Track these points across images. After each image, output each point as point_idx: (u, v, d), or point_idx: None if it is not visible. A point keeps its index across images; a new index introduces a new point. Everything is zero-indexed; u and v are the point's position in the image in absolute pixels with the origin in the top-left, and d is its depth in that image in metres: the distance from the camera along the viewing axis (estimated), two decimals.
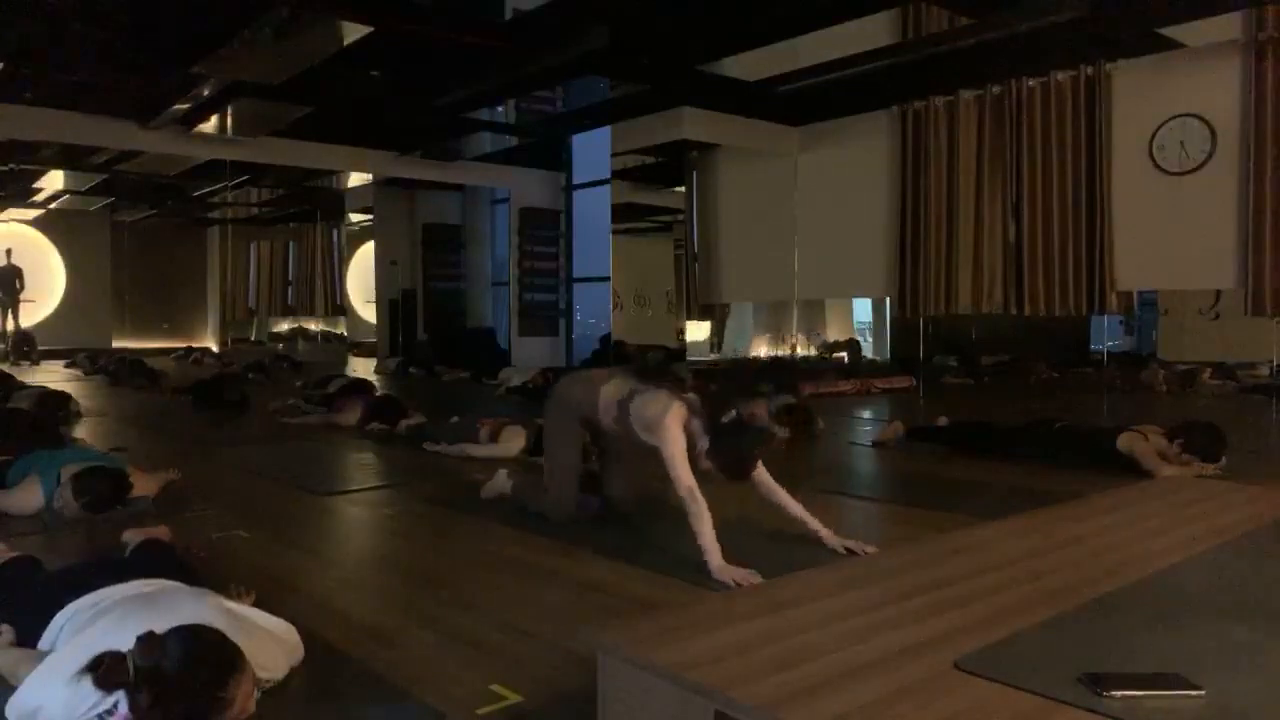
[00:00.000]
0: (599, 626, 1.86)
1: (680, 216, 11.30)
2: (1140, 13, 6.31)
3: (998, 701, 1.36)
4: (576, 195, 11.91)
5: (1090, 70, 7.53)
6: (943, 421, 5.74)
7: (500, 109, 9.69)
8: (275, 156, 10.24)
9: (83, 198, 14.16)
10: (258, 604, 2.25)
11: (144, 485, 3.84)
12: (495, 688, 2.02)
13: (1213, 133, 6.98)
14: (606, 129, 10.16)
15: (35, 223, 15.36)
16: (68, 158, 11.38)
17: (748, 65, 7.75)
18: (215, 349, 16.12)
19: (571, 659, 2.14)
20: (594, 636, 1.69)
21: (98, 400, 8.66)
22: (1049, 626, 1.69)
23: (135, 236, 16.04)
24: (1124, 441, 4.49)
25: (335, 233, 15.91)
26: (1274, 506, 2.81)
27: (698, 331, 11.91)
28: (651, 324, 11.89)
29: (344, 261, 15.95)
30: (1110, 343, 9.86)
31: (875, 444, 5.70)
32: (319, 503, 4.12)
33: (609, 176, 11.03)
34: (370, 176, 12.95)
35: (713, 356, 11.75)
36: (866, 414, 7.62)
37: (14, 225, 15.07)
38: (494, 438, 5.21)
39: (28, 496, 3.61)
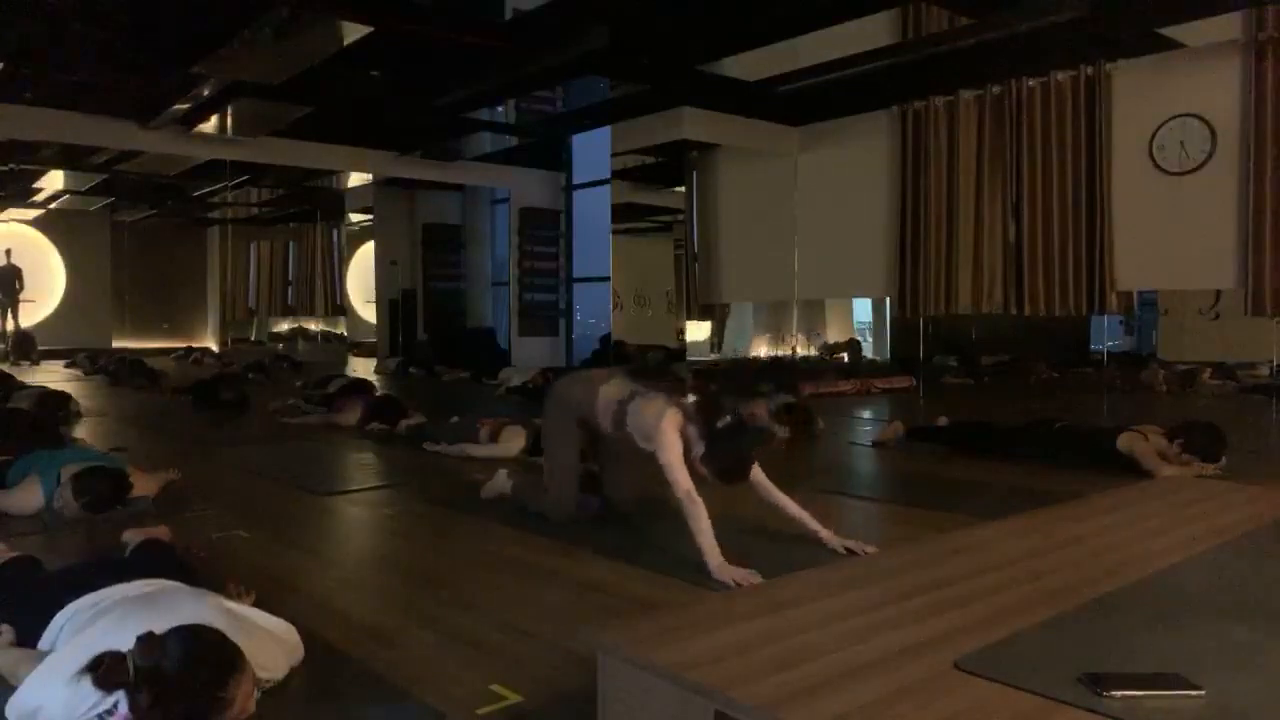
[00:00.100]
0: (599, 626, 1.86)
1: (680, 216, 11.29)
2: (1140, 13, 6.31)
3: (998, 701, 1.36)
4: (576, 195, 11.91)
5: (1090, 70, 7.53)
6: (943, 421, 5.74)
7: (500, 109, 9.69)
8: (275, 156, 10.23)
9: (83, 198, 14.16)
10: (258, 604, 2.25)
11: (144, 485, 3.84)
12: (495, 688, 2.02)
13: (1213, 133, 6.98)
14: (606, 129, 10.16)
15: (35, 223, 15.35)
16: (68, 158, 11.37)
17: (748, 65, 7.74)
18: (215, 349, 16.10)
19: (571, 659, 2.14)
20: (594, 636, 1.69)
21: (98, 400, 8.65)
22: (1049, 626, 1.69)
23: (135, 236, 16.02)
24: (1124, 441, 4.49)
25: (335, 233, 15.90)
26: (1274, 506, 2.81)
27: (698, 331, 11.89)
28: (651, 324, 11.88)
29: (344, 261, 15.94)
30: (1110, 343, 9.85)
31: (875, 444, 5.70)
32: (319, 503, 4.12)
33: (609, 176, 11.02)
34: (370, 176, 12.94)
35: (713, 356, 11.73)
36: (866, 414, 7.62)
37: (14, 225, 15.07)
38: (494, 438, 5.21)
39: (28, 496, 3.61)
